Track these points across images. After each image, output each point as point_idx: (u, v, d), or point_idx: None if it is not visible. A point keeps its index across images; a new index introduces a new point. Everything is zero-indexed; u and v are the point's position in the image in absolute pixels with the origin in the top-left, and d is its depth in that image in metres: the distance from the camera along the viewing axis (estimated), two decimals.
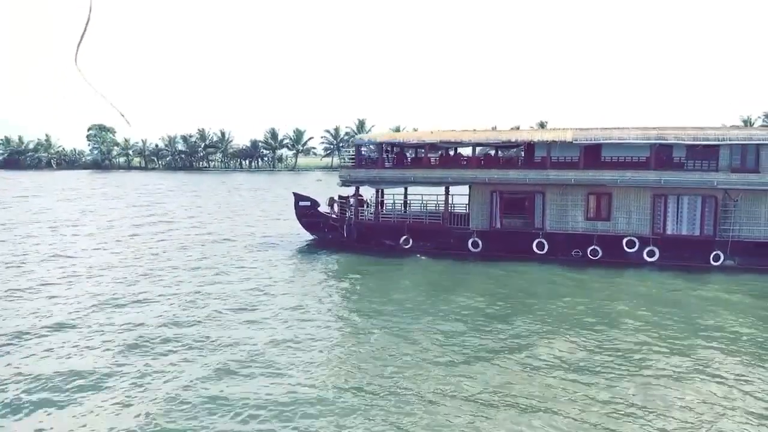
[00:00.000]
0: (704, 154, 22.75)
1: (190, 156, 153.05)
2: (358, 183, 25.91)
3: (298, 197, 27.54)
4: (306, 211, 27.42)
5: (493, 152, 28.94)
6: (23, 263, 22.53)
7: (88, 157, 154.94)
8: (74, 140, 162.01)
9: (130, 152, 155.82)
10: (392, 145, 26.72)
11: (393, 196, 28.48)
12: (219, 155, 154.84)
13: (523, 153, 26.76)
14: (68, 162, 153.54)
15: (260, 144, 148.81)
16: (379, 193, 27.04)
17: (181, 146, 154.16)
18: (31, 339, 13.46)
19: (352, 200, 26.82)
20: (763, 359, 12.63)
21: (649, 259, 22.79)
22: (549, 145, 23.81)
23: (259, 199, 54.35)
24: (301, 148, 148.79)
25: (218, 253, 24.88)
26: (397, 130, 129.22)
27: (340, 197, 27.37)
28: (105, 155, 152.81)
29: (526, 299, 17.92)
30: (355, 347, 13.25)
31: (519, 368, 11.96)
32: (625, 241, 23.00)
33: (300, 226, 28.28)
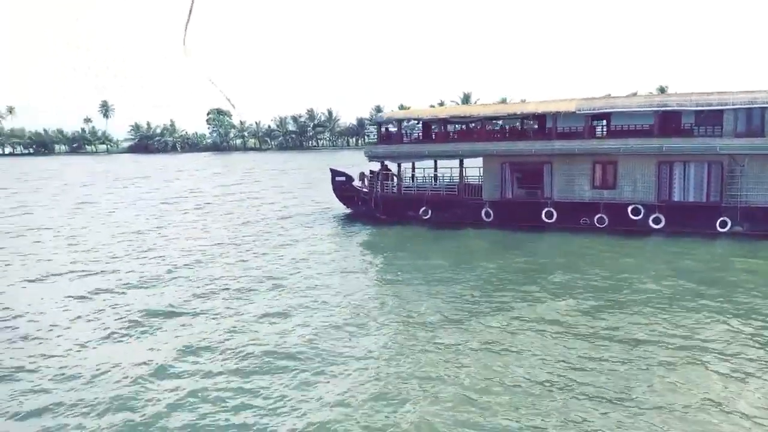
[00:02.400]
0: (711, 119, 23.25)
1: (300, 136, 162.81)
2: (380, 158, 29.07)
3: (335, 173, 31.19)
4: (341, 186, 31.01)
5: (518, 125, 30.58)
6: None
7: (208, 140, 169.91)
8: (196, 124, 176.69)
9: (246, 134, 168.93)
10: (410, 120, 29.53)
11: (423, 170, 31.29)
12: (327, 134, 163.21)
13: (536, 125, 28.39)
14: (191, 145, 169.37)
15: (366, 122, 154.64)
16: (401, 167, 29.92)
17: (291, 126, 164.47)
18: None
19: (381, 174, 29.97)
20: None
21: (655, 226, 23.86)
22: (554, 116, 25.45)
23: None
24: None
25: (269, 226, 28.50)
26: (504, 101, 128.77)
27: (371, 172, 30.61)
28: (223, 138, 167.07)
29: (532, 267, 19.23)
30: (371, 312, 14.91)
31: (512, 329, 13.24)
32: (630, 208, 24.20)
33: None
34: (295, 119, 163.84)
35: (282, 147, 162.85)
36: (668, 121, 24.23)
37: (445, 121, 28.14)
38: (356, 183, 30.99)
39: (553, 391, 10.09)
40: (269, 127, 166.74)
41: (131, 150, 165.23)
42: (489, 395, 9.98)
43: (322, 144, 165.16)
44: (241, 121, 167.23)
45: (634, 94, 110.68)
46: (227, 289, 17.23)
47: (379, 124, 29.66)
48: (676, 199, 23.86)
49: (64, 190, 53.02)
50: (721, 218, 22.93)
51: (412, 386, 10.39)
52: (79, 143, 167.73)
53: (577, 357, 11.47)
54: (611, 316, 13.90)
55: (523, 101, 76.54)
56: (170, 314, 14.96)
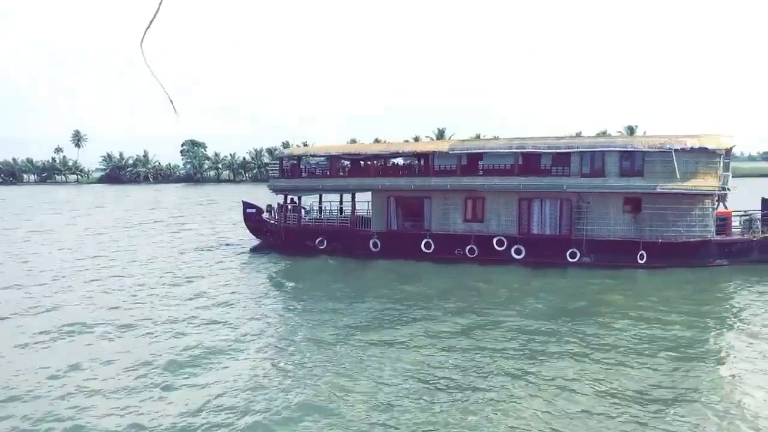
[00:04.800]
0: (562, 161, 26.81)
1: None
2: (281, 191, 32.47)
3: (246, 205, 34.47)
4: (251, 218, 34.27)
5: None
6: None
7: (182, 171, 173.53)
8: (169, 155, 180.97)
9: (220, 166, 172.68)
10: (308, 156, 33.19)
11: (330, 203, 34.67)
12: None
13: (420, 162, 31.96)
14: (163, 176, 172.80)
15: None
16: (301, 200, 33.32)
17: (266, 159, 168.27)
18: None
19: (290, 207, 33.32)
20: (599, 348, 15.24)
21: (516, 257, 27.16)
22: (431, 155, 29.00)
23: None
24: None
25: (182, 255, 31.78)
26: (478, 137, 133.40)
27: (278, 204, 33.91)
28: (197, 169, 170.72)
29: (409, 296, 21.62)
30: (264, 333, 17.17)
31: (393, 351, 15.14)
32: (495, 240, 27.54)
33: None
34: (270, 152, 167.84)
35: (257, 179, 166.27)
36: (530, 162, 27.76)
37: (336, 158, 31.69)
38: (265, 215, 34.27)
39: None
40: (244, 159, 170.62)
41: (102, 180, 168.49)
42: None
43: None
44: (216, 153, 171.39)
45: (604, 134, 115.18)
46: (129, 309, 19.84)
47: (281, 159, 33.19)
48: (534, 232, 27.26)
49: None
50: (571, 249, 26.28)
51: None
52: (49, 173, 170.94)
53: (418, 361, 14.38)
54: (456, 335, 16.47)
55: (496, 137, 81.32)
56: (70, 334, 17.04)
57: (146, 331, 17.38)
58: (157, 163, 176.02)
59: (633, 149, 25.16)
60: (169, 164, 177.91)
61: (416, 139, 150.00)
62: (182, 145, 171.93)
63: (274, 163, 35.32)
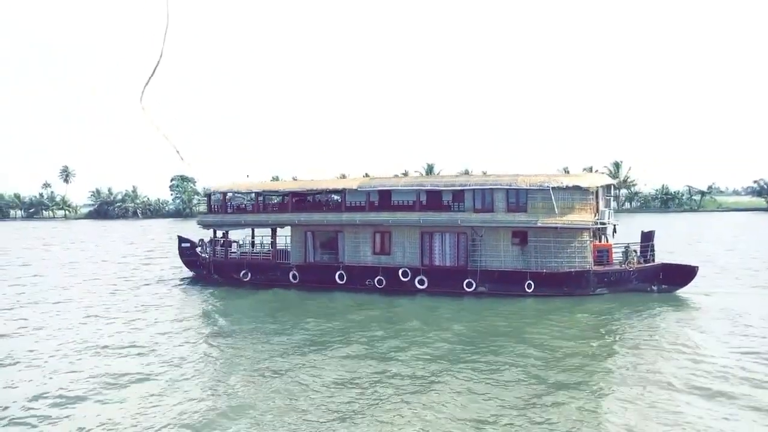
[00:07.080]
0: (459, 198, 29.63)
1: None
2: (209, 226, 35.36)
3: (181, 239, 37.34)
4: (185, 251, 37.09)
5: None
6: None
7: (171, 207, 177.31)
8: (158, 190, 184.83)
9: None
10: (233, 192, 36.27)
11: (262, 237, 37.49)
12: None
13: (338, 198, 34.86)
14: (152, 211, 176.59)
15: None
16: (228, 233, 36.16)
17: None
18: None
19: (221, 240, 36.13)
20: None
21: (420, 287, 29.75)
22: (343, 191, 31.89)
23: None
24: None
25: (122, 285, 34.72)
26: (466, 172, 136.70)
27: (210, 239, 36.73)
28: (186, 204, 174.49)
29: (315, 322, 24.24)
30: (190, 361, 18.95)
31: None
32: (401, 271, 30.17)
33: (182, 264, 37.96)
34: None
35: None
36: (432, 199, 30.58)
37: (258, 194, 34.66)
38: (198, 249, 37.08)
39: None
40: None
41: (90, 216, 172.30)
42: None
43: None
44: (205, 188, 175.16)
45: (590, 169, 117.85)
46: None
47: (208, 196, 36.24)
48: (436, 263, 29.90)
49: None
50: (467, 280, 28.86)
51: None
52: (36, 209, 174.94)
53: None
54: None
55: (485, 173, 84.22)
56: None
57: (66, 338, 20.72)
58: (146, 198, 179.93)
59: (516, 187, 27.97)
60: (158, 199, 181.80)
61: (405, 174, 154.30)
62: (171, 180, 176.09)
63: (202, 199, 38.07)
